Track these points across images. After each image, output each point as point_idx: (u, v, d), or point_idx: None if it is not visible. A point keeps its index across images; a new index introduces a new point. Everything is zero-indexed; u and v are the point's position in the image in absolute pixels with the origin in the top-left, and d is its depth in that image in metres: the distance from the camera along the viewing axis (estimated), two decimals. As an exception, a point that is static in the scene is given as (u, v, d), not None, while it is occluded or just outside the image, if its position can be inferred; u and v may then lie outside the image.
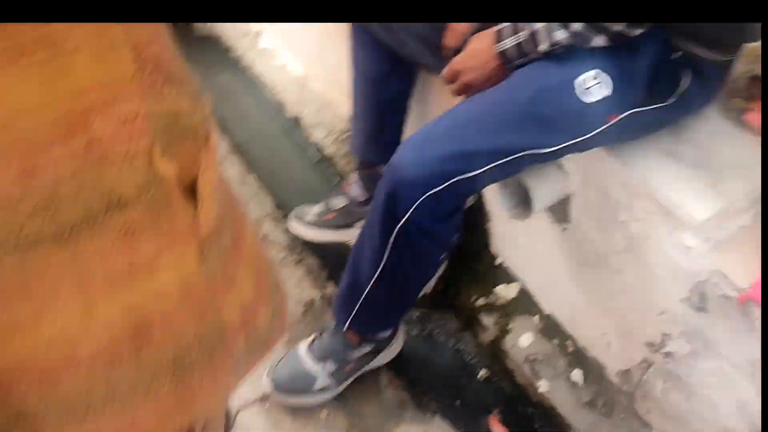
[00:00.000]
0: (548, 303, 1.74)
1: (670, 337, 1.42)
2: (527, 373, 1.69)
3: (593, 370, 1.67)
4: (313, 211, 1.93)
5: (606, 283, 1.53)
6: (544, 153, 1.25)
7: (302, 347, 1.65)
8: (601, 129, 1.24)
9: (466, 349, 1.85)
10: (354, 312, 1.52)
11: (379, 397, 1.68)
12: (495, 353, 1.78)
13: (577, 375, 1.66)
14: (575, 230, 1.54)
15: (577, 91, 1.22)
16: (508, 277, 1.83)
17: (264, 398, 1.64)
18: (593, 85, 1.22)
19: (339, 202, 1.91)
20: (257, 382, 1.65)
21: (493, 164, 1.24)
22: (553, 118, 1.23)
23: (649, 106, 1.25)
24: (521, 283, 1.81)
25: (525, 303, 1.78)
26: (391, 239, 1.34)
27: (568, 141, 1.24)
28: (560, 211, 1.56)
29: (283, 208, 2.12)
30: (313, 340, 1.64)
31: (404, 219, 1.27)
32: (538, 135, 1.23)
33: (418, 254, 1.38)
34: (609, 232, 1.44)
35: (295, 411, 1.63)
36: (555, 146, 1.24)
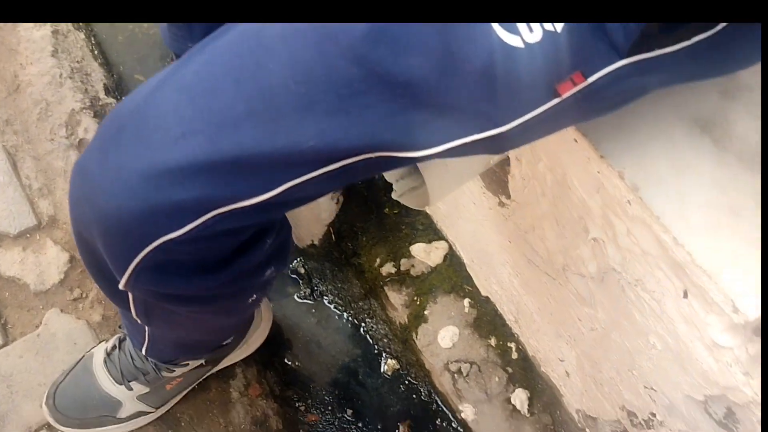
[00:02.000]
0: (487, 280, 1.11)
1: (663, 425, 0.82)
2: (448, 386, 1.12)
3: (544, 395, 1.09)
4: None
5: (563, 305, 0.89)
6: (406, 157, 0.56)
7: (97, 360, 1.08)
8: (543, 110, 0.52)
9: (370, 327, 1.27)
10: (145, 341, 0.93)
11: (227, 417, 1.14)
12: (406, 341, 1.20)
13: (519, 397, 1.09)
14: (518, 214, 0.87)
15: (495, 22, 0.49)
16: (431, 233, 1.19)
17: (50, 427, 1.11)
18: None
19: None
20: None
21: (288, 185, 0.56)
22: (422, 81, 0.51)
23: (652, 50, 0.52)
24: (450, 243, 1.17)
25: (452, 276, 1.16)
26: (131, 306, 0.72)
27: (461, 137, 0.54)
28: (496, 180, 0.88)
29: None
30: (111, 351, 1.07)
31: (122, 286, 0.62)
32: (389, 121, 0.53)
33: (190, 320, 0.76)
34: (570, 242, 0.77)
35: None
36: (430, 147, 0.54)
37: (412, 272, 1.17)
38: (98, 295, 1.21)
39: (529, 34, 0.49)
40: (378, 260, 1.19)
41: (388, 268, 1.18)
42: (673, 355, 0.70)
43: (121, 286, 0.61)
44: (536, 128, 0.54)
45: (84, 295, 1.21)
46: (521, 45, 0.49)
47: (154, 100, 0.55)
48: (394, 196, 0.82)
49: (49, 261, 1.23)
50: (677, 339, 0.67)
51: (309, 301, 1.29)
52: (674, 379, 0.73)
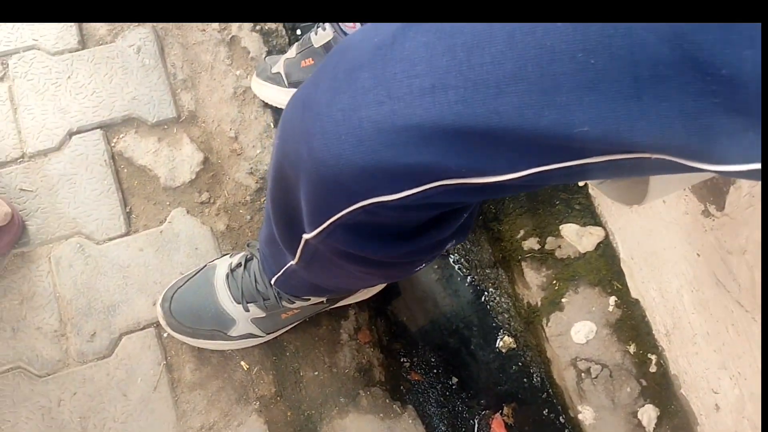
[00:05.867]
0: (644, 283, 1.01)
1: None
2: (570, 382, 1.04)
3: (676, 418, 1.00)
4: (287, 55, 1.19)
5: (745, 340, 0.78)
6: (691, 167, 0.46)
7: (220, 273, 1.04)
8: None
9: (492, 298, 1.19)
10: (280, 273, 0.88)
11: (332, 357, 1.10)
12: (531, 323, 1.12)
13: (648, 413, 1.00)
14: (726, 230, 0.76)
15: None
16: (587, 215, 1.08)
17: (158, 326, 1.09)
18: None
19: (324, 36, 1.13)
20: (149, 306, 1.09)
21: (534, 171, 0.47)
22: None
23: None
24: (608, 232, 1.06)
25: (602, 268, 1.06)
26: (298, 250, 0.66)
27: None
28: (710, 187, 0.76)
29: None
30: (235, 268, 1.03)
31: (309, 237, 0.56)
32: (689, 121, 0.43)
33: (349, 274, 0.70)
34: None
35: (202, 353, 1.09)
36: (729, 164, 0.44)
37: (558, 254, 1.07)
38: (226, 203, 1.17)
39: None
40: (521, 232, 1.10)
41: (530, 243, 1.09)
42: None
43: (307, 237, 0.55)
44: None
45: (212, 201, 1.17)
46: None
47: (404, 41, 0.46)
48: (594, 184, 0.71)
49: (183, 158, 1.19)
50: None
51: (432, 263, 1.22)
52: None
